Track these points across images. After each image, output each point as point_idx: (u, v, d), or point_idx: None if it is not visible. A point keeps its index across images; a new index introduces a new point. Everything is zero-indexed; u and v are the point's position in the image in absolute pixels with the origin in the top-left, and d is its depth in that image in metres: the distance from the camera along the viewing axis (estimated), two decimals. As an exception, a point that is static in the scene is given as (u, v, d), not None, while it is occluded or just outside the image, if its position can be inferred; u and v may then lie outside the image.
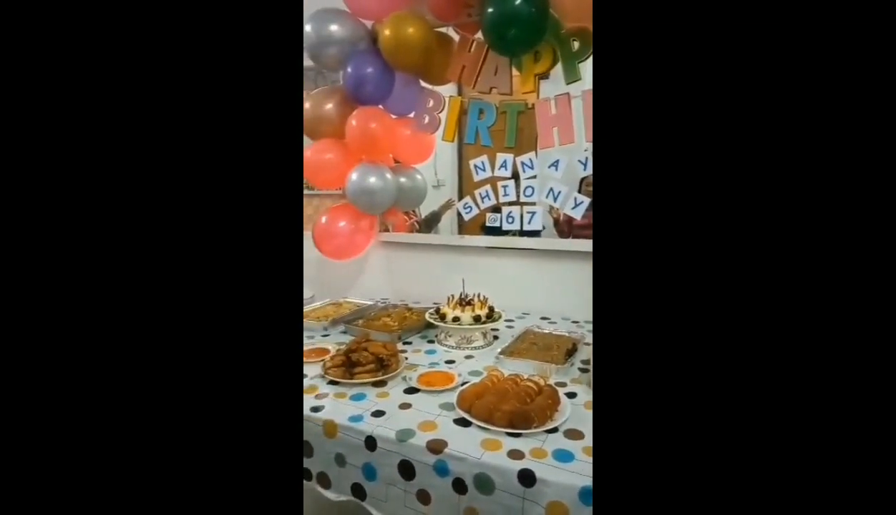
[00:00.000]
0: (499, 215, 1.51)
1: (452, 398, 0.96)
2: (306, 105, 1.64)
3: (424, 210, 1.96)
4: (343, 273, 1.94)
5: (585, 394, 1.01)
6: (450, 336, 1.33)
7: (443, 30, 1.46)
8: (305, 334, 1.45)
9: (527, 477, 0.74)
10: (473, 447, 0.81)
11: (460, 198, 1.80)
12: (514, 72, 1.37)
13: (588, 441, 0.83)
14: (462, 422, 0.89)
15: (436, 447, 0.82)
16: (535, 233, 1.54)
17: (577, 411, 0.92)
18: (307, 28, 1.47)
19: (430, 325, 1.37)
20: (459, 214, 1.58)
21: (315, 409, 0.96)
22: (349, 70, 1.49)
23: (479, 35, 1.35)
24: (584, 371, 1.12)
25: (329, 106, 1.60)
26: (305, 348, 1.28)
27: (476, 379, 1.05)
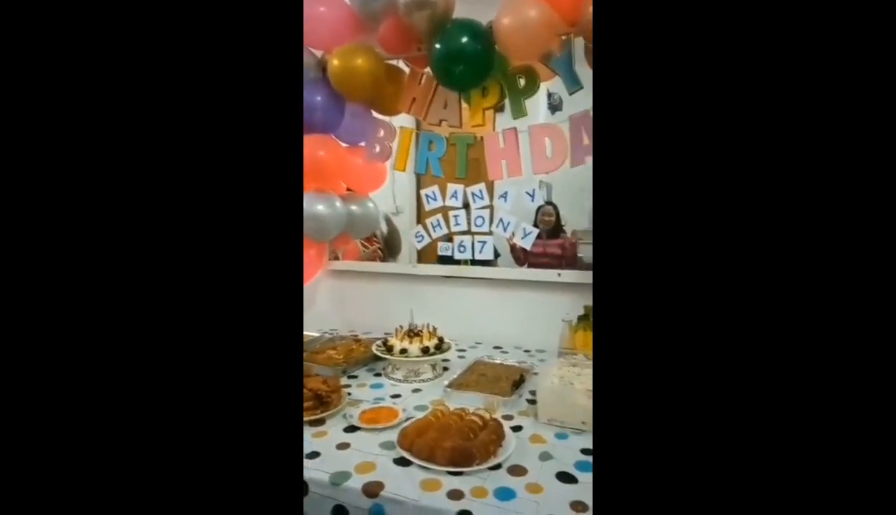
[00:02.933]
0: (451, 244, 1.51)
1: (394, 436, 0.91)
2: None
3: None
4: (291, 303, 1.86)
5: (531, 427, 0.99)
6: (397, 369, 1.29)
7: (394, 62, 1.48)
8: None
9: (465, 520, 0.71)
10: (412, 488, 0.77)
11: (418, 224, 1.79)
12: (465, 105, 1.40)
13: (531, 477, 0.80)
14: (402, 462, 0.85)
15: (372, 490, 0.77)
16: (487, 262, 1.55)
17: (522, 445, 0.90)
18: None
19: (377, 358, 1.33)
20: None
21: (244, 453, 0.89)
22: (299, 98, 1.47)
23: (429, 69, 1.37)
24: (531, 402, 1.11)
25: (278, 133, 1.57)
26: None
27: (421, 415, 1.01)
